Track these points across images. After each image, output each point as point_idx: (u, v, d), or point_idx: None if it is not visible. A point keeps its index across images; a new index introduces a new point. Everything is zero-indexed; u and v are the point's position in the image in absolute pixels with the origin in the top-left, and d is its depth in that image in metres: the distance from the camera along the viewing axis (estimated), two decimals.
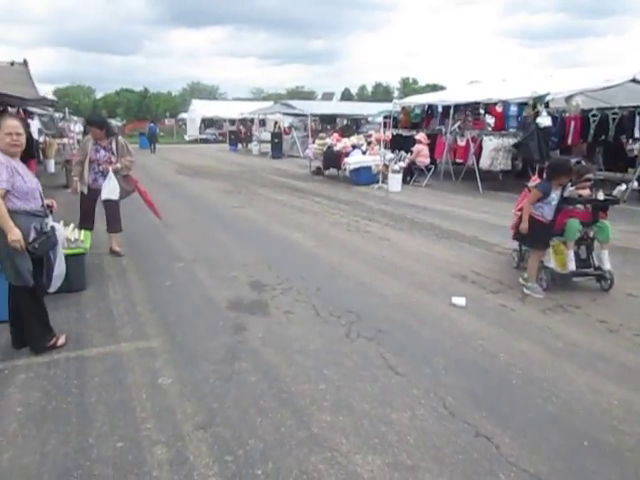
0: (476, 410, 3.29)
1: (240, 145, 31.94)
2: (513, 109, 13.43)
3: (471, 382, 3.66)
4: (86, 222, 6.47)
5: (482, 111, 15.26)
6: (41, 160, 16.68)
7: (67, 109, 19.12)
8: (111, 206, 6.57)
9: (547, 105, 12.36)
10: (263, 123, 32.91)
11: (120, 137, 6.73)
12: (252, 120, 32.89)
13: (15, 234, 3.57)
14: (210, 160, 23.40)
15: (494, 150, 12.85)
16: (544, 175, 5.69)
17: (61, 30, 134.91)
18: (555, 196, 5.37)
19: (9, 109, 16.07)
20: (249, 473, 2.68)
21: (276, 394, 3.46)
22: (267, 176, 17.03)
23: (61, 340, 4.10)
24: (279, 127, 29.03)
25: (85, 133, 5.91)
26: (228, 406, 3.30)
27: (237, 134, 32.73)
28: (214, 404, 3.32)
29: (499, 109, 13.80)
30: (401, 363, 3.92)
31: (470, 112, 14.81)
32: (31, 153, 12.82)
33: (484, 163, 13.11)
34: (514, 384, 3.66)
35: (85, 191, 6.50)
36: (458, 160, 14.80)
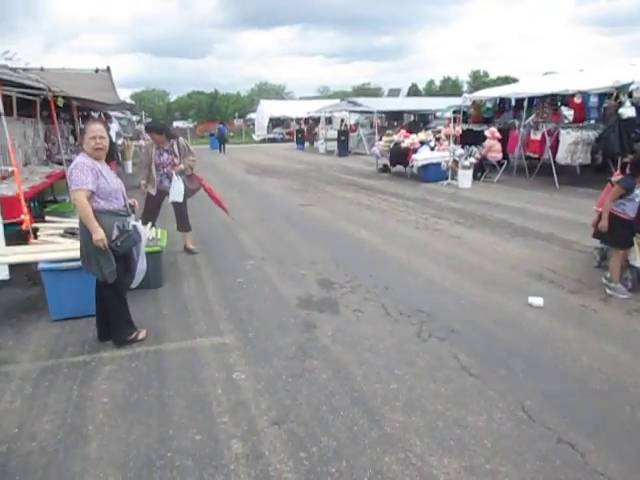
0: (557, 415, 3.15)
1: (306, 144, 32.19)
2: (593, 100, 12.72)
3: (551, 385, 3.51)
4: (147, 219, 6.48)
5: (559, 103, 14.56)
6: (120, 161, 17.52)
7: (143, 112, 19.98)
8: (179, 207, 6.80)
9: (630, 95, 11.61)
10: (329, 121, 32.97)
11: (181, 139, 6.87)
12: (318, 119, 33.07)
13: (99, 234, 3.76)
14: (277, 159, 23.75)
15: (573, 144, 12.20)
16: (627, 170, 5.35)
17: (137, 37, 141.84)
18: (639, 192, 5.05)
19: (92, 113, 17.03)
20: (323, 471, 2.69)
21: (347, 393, 3.46)
22: (334, 174, 17.07)
23: (142, 334, 4.28)
24: (345, 125, 29.01)
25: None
26: (300, 403, 3.33)
27: (303, 133, 33.02)
28: (287, 401, 3.36)
29: (577, 100, 13.11)
30: (476, 364, 3.80)
31: (546, 104, 14.16)
32: (111, 155, 13.53)
33: (562, 157, 12.48)
34: (598, 389, 3.46)
35: (153, 193, 6.67)
36: (532, 155, 14.19)
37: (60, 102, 8.58)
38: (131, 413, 3.25)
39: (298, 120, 39.62)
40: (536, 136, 13.68)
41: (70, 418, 3.21)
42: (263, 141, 41.53)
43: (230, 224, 8.51)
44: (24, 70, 6.44)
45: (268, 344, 4.21)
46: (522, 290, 5.32)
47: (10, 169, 6.10)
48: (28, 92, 8.20)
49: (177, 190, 6.50)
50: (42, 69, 6.04)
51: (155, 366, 3.87)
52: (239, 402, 3.36)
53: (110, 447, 2.92)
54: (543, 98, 14.06)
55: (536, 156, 13.93)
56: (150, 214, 6.71)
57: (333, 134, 27.91)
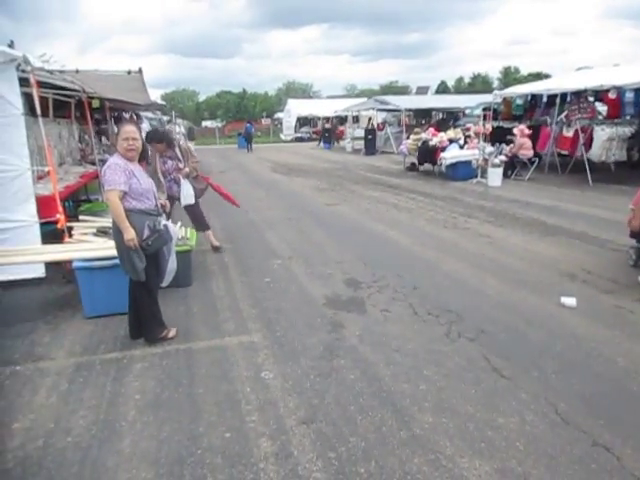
0: (592, 418, 3.08)
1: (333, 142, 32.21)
2: (629, 95, 12.40)
3: (585, 387, 3.43)
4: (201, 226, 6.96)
5: (592, 99, 14.21)
6: (150, 161, 17.77)
7: (174, 112, 20.27)
8: (192, 209, 6.88)
9: None
10: (357, 120, 32.92)
11: (182, 142, 6.97)
12: (345, 117, 33.04)
13: (130, 233, 3.83)
14: (304, 158, 23.81)
15: (608, 140, 11.92)
16: None
17: (168, 38, 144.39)
18: None
19: (123, 114, 17.34)
20: (352, 471, 2.68)
21: (375, 393, 3.44)
22: (361, 173, 17.02)
23: (172, 333, 4.35)
24: (372, 124, 28.90)
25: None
26: (328, 403, 3.33)
27: (330, 132, 33.03)
28: (315, 400, 3.37)
29: (612, 96, 12.78)
30: (507, 366, 3.75)
31: (579, 100, 13.83)
32: (142, 155, 13.76)
33: (595, 154, 12.20)
34: (635, 391, 3.38)
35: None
36: (564, 152, 13.89)
37: (96, 103, 8.77)
38: (162, 410, 3.30)
39: (325, 119, 39.69)
40: (568, 133, 13.41)
41: (103, 414, 3.28)
42: (291, 140, 41.68)
43: (257, 223, 8.56)
44: (60, 72, 6.58)
45: (296, 343, 4.22)
46: (554, 290, 5.22)
47: (46, 169, 6.25)
48: (64, 93, 8.41)
49: (187, 193, 6.61)
50: (77, 71, 6.19)
51: (185, 364, 3.92)
52: (267, 401, 3.38)
53: (142, 443, 2.97)
54: (576, 94, 13.74)
55: (568, 153, 13.64)
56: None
57: (360, 133, 27.83)
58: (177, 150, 6.66)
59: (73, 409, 3.34)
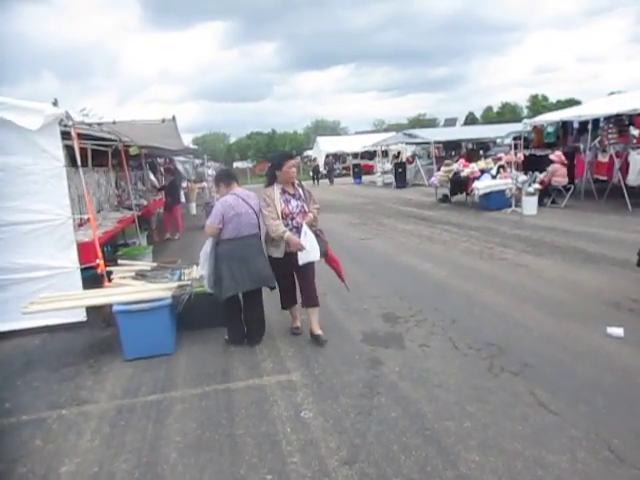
0: None
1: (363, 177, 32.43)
2: None
3: (638, 423, 3.27)
4: (289, 299, 5.35)
5: (627, 123, 14.00)
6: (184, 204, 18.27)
7: (205, 156, 20.79)
8: (306, 272, 5.09)
9: None
10: (386, 154, 33.15)
11: (301, 183, 5.34)
12: (374, 152, 33.34)
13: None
14: (334, 193, 23.98)
15: None
16: None
17: (201, 85, 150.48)
18: None
19: (157, 160, 17.93)
20: None
21: (418, 431, 3.36)
22: (392, 206, 17.03)
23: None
24: (401, 159, 29.03)
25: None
26: (370, 442, 3.26)
27: (360, 167, 33.31)
28: (356, 439, 3.30)
29: None
30: (554, 400, 3.61)
31: (612, 125, 13.64)
32: (177, 199, 14.14)
33: (633, 179, 11.94)
34: None
35: (280, 255, 4.97)
36: (600, 177, 13.64)
37: (135, 150, 9.12)
38: (203, 452, 3.29)
39: (355, 154, 40.12)
40: (604, 158, 13.19)
41: (145, 457, 3.29)
42: (321, 177, 42.17)
43: None
44: (98, 125, 6.90)
45: (334, 381, 4.17)
46: (599, 320, 5.04)
47: (86, 217, 6.48)
48: (101, 143, 8.77)
49: (312, 246, 4.84)
50: (114, 122, 6.46)
51: (224, 405, 3.92)
52: (308, 441, 3.33)
53: None
54: (609, 119, 13.57)
55: (605, 179, 13.39)
56: (289, 291, 5.29)
57: (390, 167, 27.97)
58: (301, 189, 5.20)
59: (116, 452, 3.36)
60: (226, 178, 5.26)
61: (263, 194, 5.02)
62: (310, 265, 5.00)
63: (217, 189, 5.41)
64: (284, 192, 5.01)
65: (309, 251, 4.81)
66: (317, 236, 4.96)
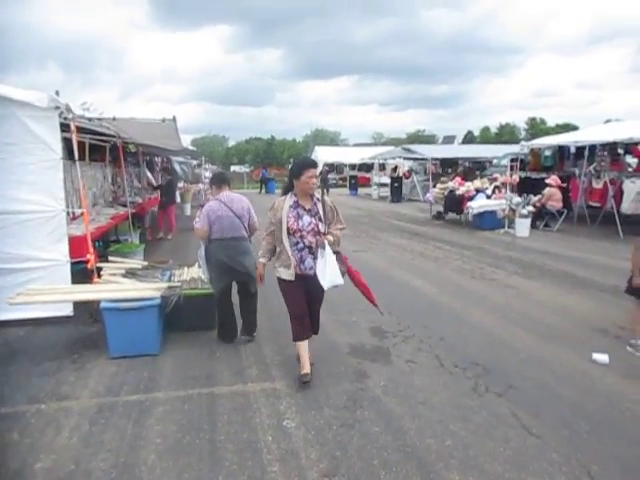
0: None
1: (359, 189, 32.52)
2: None
3: (619, 450, 3.29)
4: (302, 328, 4.48)
5: (621, 151, 14.15)
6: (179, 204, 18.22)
7: (203, 157, 20.84)
8: (319, 296, 4.52)
9: None
10: (383, 167, 33.27)
11: (327, 197, 4.47)
12: (372, 165, 33.44)
13: None
14: None
15: (639, 193, 11.81)
16: None
17: (204, 87, 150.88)
18: None
19: (155, 158, 17.90)
20: None
21: (400, 447, 3.35)
22: (387, 220, 17.07)
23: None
24: (398, 173, 29.15)
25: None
26: (351, 455, 3.25)
27: (356, 179, 33.41)
28: (337, 452, 3.29)
29: None
30: (536, 423, 3.62)
31: (607, 153, 13.79)
32: (173, 199, 14.10)
33: (627, 207, 12.07)
34: None
35: (291, 277, 4.32)
36: (593, 204, 13.76)
37: (132, 148, 9.11)
38: (182, 456, 3.26)
39: (352, 166, 40.25)
40: (598, 185, 13.32)
41: (124, 457, 3.25)
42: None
43: None
44: (98, 119, 6.90)
45: (319, 392, 4.16)
46: (586, 346, 5.07)
47: (80, 211, 6.45)
48: (100, 138, 8.75)
49: (334, 270, 4.17)
50: (114, 118, 6.48)
51: (207, 409, 3.89)
52: (289, 451, 3.31)
53: None
54: (605, 146, 13.72)
55: (598, 205, 13.51)
56: (302, 318, 4.46)
57: (386, 180, 28.07)
58: (319, 204, 4.36)
59: (94, 451, 3.32)
60: (218, 181, 5.45)
61: (274, 203, 4.42)
62: (321, 290, 4.30)
63: (211, 190, 5.59)
64: (297, 205, 4.29)
65: (331, 275, 4.14)
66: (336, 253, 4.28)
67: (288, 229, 4.24)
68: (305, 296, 4.42)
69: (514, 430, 3.55)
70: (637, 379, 4.35)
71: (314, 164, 4.47)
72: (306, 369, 4.35)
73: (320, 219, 4.30)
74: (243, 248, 5.17)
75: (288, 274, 4.31)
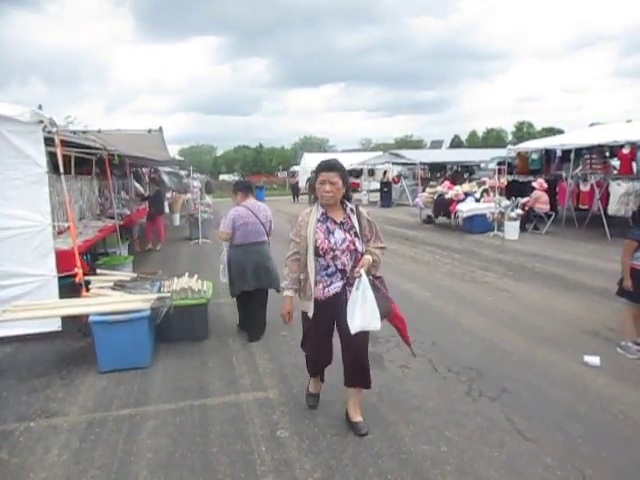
0: None
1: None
2: None
3: (613, 453, 3.28)
4: (317, 363, 3.85)
5: (607, 154, 14.29)
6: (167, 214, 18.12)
7: (191, 167, 20.74)
8: (361, 342, 3.49)
9: None
10: (372, 173, 33.37)
11: (362, 208, 3.67)
12: (360, 170, 33.55)
13: None
14: None
15: (625, 195, 11.91)
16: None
17: (191, 97, 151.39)
18: None
19: (142, 170, 17.82)
20: None
21: (395, 454, 3.32)
22: (377, 224, 17.04)
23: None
24: (387, 178, 29.26)
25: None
26: (346, 464, 3.22)
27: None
28: (332, 461, 3.26)
29: (625, 151, 12.85)
30: (530, 427, 3.61)
31: (594, 156, 13.92)
32: (161, 209, 14.02)
33: (613, 209, 12.18)
34: None
35: (310, 311, 3.52)
36: (581, 206, 13.87)
37: (116, 159, 9.04)
38: (175, 470, 3.21)
39: None
40: (585, 187, 13.44)
41: (115, 474, 3.19)
42: (301, 193, 42.28)
43: None
44: (83, 132, 6.85)
45: None
46: (577, 348, 5.08)
47: (66, 225, 6.38)
48: (85, 151, 8.70)
49: (372, 309, 3.24)
50: (99, 131, 6.43)
51: (199, 421, 3.84)
52: (283, 461, 3.27)
53: None
54: (590, 149, 13.84)
55: (586, 207, 13.62)
56: (317, 363, 3.85)
57: (375, 185, 28.15)
58: (354, 216, 3.53)
59: (84, 468, 3.26)
60: (245, 188, 5.82)
61: (298, 218, 3.58)
62: (365, 334, 3.43)
63: (234, 196, 5.83)
64: (326, 218, 3.46)
65: (365, 316, 3.21)
66: (376, 290, 3.39)
67: (317, 249, 3.38)
68: (332, 329, 3.60)
69: (509, 435, 3.53)
70: (628, 381, 4.36)
71: (329, 166, 3.43)
72: (317, 389, 4.03)
73: (356, 234, 3.46)
74: (265, 252, 5.75)
75: (309, 308, 3.50)
